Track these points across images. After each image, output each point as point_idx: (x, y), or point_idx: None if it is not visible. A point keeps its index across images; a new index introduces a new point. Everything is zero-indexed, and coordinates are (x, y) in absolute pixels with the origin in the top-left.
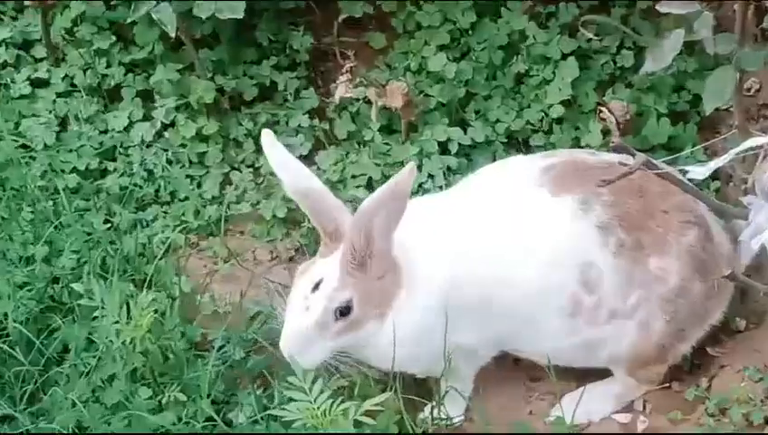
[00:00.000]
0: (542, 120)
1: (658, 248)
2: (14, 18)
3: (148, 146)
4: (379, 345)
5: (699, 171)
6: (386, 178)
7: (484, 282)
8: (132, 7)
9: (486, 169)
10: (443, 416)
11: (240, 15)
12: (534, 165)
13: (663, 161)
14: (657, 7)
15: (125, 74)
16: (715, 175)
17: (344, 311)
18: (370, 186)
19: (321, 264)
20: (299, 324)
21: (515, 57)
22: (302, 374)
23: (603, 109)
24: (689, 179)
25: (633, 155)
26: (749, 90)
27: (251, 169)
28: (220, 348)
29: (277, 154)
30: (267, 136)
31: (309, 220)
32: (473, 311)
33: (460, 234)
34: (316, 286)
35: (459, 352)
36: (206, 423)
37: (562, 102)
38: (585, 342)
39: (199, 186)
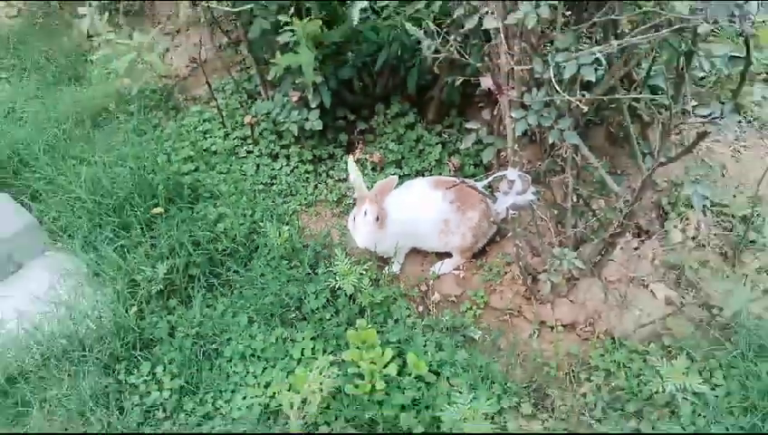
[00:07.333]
0: None
1: (471, 208)
2: None
3: None
4: (382, 241)
5: (502, 199)
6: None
7: (409, 223)
8: None
9: (413, 181)
10: (393, 270)
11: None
12: (430, 181)
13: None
14: None
15: None
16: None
17: (377, 218)
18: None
19: (363, 206)
20: (367, 222)
21: None
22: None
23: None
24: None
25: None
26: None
27: None
28: None
29: (355, 171)
30: (351, 161)
31: None
32: (404, 234)
33: (400, 206)
34: (365, 213)
35: (398, 247)
36: None
37: None
38: (445, 243)
39: None
